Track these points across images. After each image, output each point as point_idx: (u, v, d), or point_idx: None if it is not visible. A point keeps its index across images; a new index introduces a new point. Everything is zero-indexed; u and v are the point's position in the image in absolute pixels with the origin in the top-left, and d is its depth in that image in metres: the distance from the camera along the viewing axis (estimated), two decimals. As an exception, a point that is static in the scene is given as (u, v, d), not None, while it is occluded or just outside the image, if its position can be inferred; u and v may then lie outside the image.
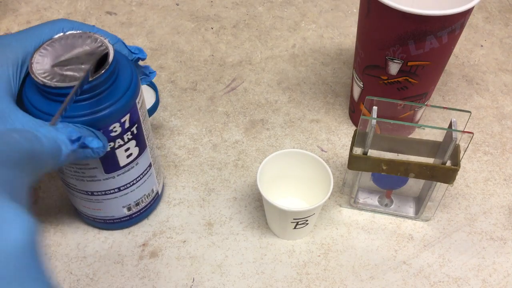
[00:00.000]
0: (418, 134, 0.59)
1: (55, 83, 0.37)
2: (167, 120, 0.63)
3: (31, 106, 0.39)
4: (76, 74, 0.38)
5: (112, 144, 0.42)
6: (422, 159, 0.49)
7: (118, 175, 0.45)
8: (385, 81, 0.54)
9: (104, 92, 0.39)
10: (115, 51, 0.40)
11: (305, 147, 0.60)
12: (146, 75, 0.50)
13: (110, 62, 0.39)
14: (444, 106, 0.65)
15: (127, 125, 0.42)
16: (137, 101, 0.42)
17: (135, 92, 0.42)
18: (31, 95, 0.39)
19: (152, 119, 0.62)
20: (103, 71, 0.39)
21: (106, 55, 0.40)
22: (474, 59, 0.72)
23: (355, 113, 0.62)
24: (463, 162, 0.59)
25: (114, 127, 0.41)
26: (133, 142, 0.44)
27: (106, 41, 0.41)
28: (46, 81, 0.38)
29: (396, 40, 0.49)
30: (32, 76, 0.38)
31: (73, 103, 0.38)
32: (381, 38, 0.50)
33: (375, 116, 0.47)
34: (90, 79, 0.38)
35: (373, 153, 0.49)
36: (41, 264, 0.25)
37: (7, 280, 0.22)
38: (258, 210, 0.54)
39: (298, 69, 0.70)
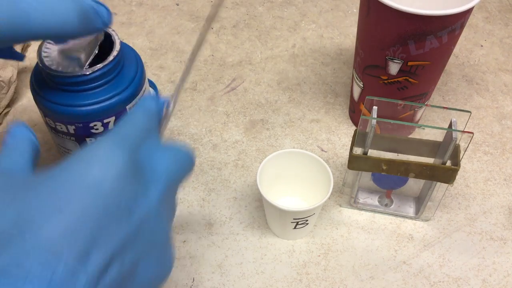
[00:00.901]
0: (418, 134, 0.59)
1: (58, 72, 0.39)
2: (167, 120, 0.63)
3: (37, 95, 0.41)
4: (75, 63, 0.39)
5: (92, 139, 0.43)
6: (422, 159, 0.49)
7: None
8: (385, 81, 0.54)
9: (95, 89, 0.40)
10: (121, 49, 0.41)
11: (305, 147, 0.60)
12: None
13: (115, 55, 0.40)
14: (444, 106, 0.65)
15: (111, 126, 0.42)
16: (127, 107, 0.42)
17: (127, 99, 0.42)
18: (37, 81, 0.41)
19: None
20: (106, 62, 0.39)
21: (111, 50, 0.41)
22: (474, 59, 0.72)
23: (355, 113, 0.62)
24: (463, 162, 0.59)
25: (95, 125, 0.41)
26: None
27: (114, 33, 0.42)
28: (51, 68, 0.39)
29: (396, 40, 0.49)
30: (39, 62, 0.40)
31: (63, 91, 0.39)
32: (381, 38, 0.50)
33: (375, 116, 0.47)
34: (89, 72, 0.39)
35: (373, 153, 0.49)
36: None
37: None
38: (258, 210, 0.54)
39: (298, 69, 0.70)
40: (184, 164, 0.31)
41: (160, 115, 0.33)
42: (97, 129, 0.41)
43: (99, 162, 0.26)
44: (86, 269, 0.25)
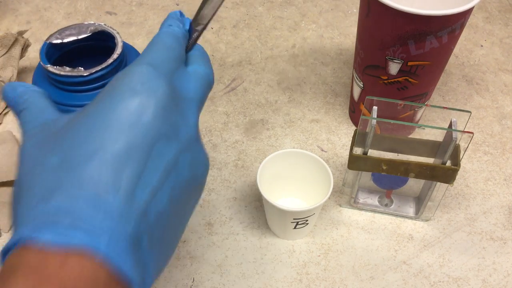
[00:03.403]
0: (418, 134, 0.59)
1: (61, 71, 0.39)
2: (167, 120, 0.63)
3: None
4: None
5: None
6: (422, 159, 0.49)
7: None
8: (385, 81, 0.54)
9: (97, 89, 0.40)
10: (123, 49, 0.41)
11: (305, 147, 0.60)
12: None
13: (114, 58, 0.40)
14: (444, 106, 0.65)
15: None
16: None
17: None
18: (39, 81, 0.41)
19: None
20: (104, 65, 0.39)
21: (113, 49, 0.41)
22: (474, 59, 0.72)
23: (355, 113, 0.62)
24: (463, 162, 0.59)
25: None
26: None
27: (117, 35, 0.42)
28: (53, 70, 0.40)
29: (396, 40, 0.49)
30: (41, 62, 0.40)
31: (65, 92, 0.39)
32: (381, 38, 0.50)
33: (375, 116, 0.47)
34: (92, 73, 0.39)
35: (373, 153, 0.49)
36: None
37: None
38: (258, 210, 0.54)
39: (298, 69, 0.70)
40: (208, 85, 0.32)
41: (186, 38, 0.34)
42: None
43: (140, 94, 0.26)
44: (133, 206, 0.25)
